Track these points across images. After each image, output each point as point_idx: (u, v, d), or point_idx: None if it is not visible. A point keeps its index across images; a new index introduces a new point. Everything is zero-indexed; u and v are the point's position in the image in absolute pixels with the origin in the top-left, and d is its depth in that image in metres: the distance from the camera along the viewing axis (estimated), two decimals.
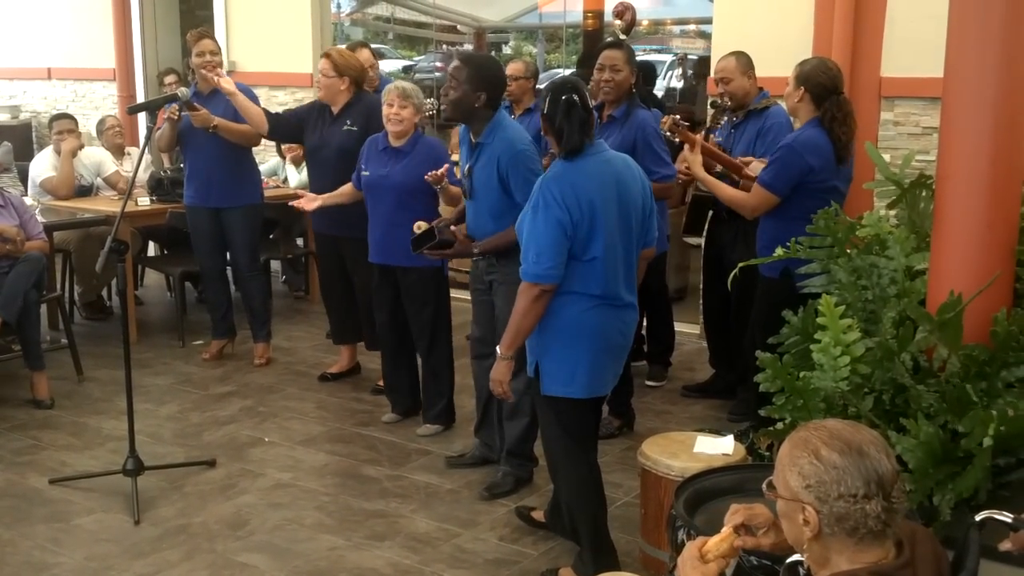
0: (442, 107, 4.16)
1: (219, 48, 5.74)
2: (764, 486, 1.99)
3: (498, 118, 4.06)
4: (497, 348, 3.42)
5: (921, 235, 3.30)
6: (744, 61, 4.95)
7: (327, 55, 5.34)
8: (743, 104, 4.95)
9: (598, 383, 3.43)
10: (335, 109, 5.31)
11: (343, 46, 6.10)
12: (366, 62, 5.87)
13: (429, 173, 4.44)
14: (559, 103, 3.31)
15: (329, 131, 5.29)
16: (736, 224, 4.83)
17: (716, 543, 2.08)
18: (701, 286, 5.72)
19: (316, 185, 5.41)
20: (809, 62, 4.28)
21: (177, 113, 5.59)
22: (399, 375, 5.07)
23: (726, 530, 2.09)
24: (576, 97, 3.31)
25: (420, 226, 4.19)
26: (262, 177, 7.17)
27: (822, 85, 4.17)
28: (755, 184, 4.21)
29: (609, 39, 5.43)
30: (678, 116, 4.58)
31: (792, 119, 4.47)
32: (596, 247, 3.28)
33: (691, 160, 4.37)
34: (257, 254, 6.06)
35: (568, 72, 8.84)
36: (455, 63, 4.10)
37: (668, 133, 4.50)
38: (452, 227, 4.13)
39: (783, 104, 4.52)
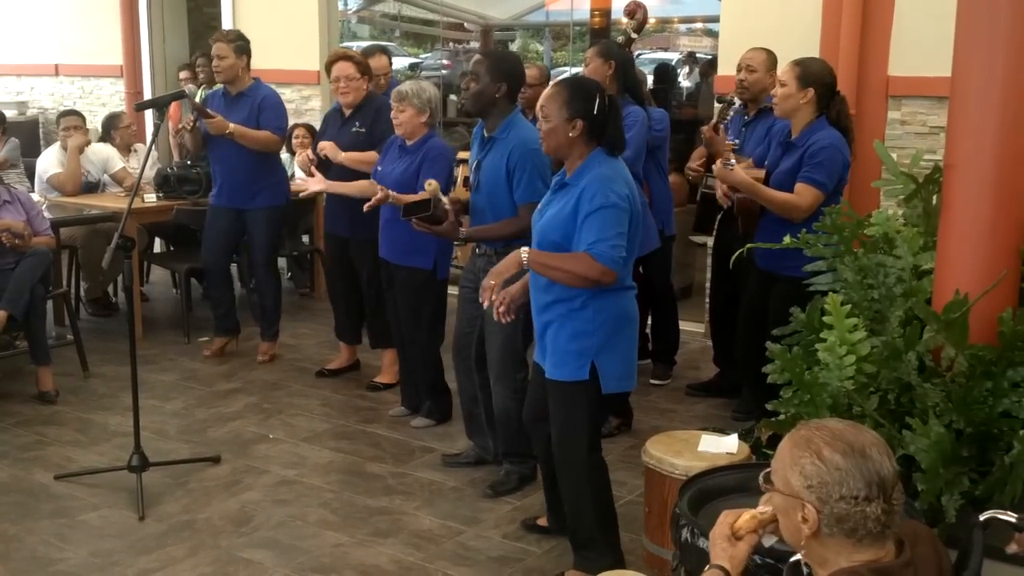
0: (461, 102, 4.15)
1: (232, 49, 5.64)
2: (761, 478, 1.98)
3: (515, 116, 4.07)
4: (524, 251, 3.22)
5: (932, 231, 3.28)
6: (772, 59, 4.95)
7: (348, 58, 5.28)
8: (756, 99, 4.94)
9: (636, 370, 3.45)
10: (348, 111, 5.31)
11: (357, 47, 6.10)
12: (382, 68, 5.89)
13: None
14: (605, 100, 3.26)
15: (340, 134, 5.28)
16: None
17: (747, 520, 2.04)
18: (708, 284, 5.72)
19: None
20: (812, 63, 4.27)
21: (191, 123, 5.59)
22: (407, 369, 5.08)
23: (768, 509, 2.06)
24: (609, 95, 3.32)
25: (431, 183, 4.19)
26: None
27: (829, 86, 4.23)
28: (802, 185, 4.15)
29: (619, 38, 5.40)
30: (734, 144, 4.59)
31: (789, 119, 4.35)
32: (633, 238, 3.27)
33: (730, 174, 4.29)
34: (275, 253, 6.09)
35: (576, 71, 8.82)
36: (476, 58, 4.12)
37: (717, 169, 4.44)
38: (448, 206, 4.11)
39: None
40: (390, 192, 4.51)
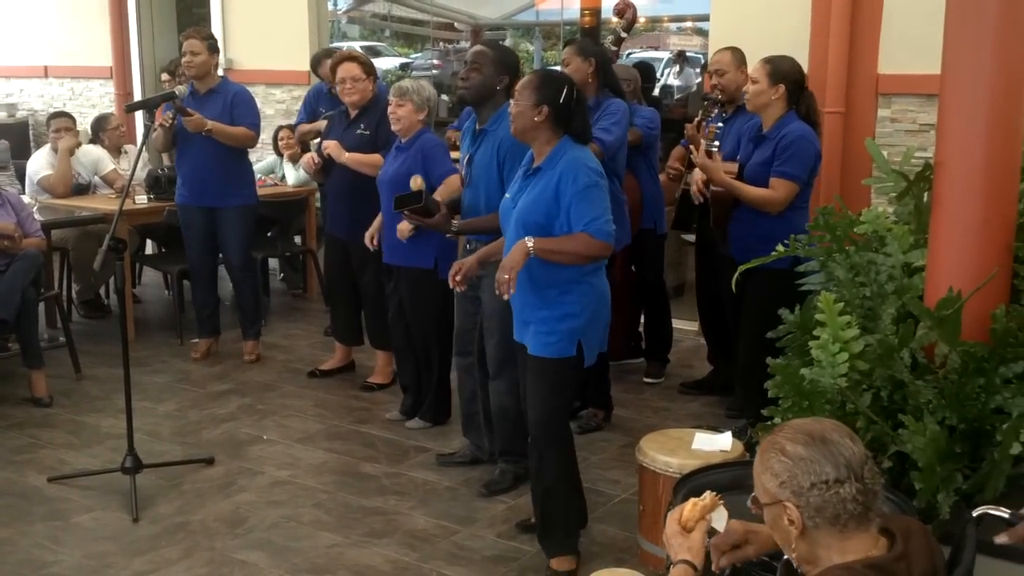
0: (459, 91, 4.13)
1: (205, 47, 5.63)
2: (749, 502, 2.03)
3: (507, 108, 4.07)
4: (528, 241, 3.32)
5: (923, 229, 3.30)
6: (739, 56, 5.00)
7: (353, 59, 5.26)
8: (734, 98, 4.98)
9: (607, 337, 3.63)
10: (354, 112, 5.30)
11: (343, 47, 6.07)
12: None
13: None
14: (572, 93, 3.41)
15: (344, 135, 5.27)
16: None
17: (691, 510, 2.13)
18: (695, 280, 5.73)
19: (333, 189, 5.42)
20: (783, 61, 4.39)
21: (170, 120, 5.57)
22: (406, 373, 5.07)
23: (706, 496, 2.15)
24: (577, 89, 3.46)
25: (417, 181, 4.20)
26: (259, 175, 7.20)
27: (798, 83, 4.39)
28: (776, 180, 4.27)
29: (609, 37, 5.41)
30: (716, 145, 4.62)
31: (760, 115, 4.43)
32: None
33: (712, 167, 4.39)
34: (250, 254, 6.06)
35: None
36: (477, 48, 4.13)
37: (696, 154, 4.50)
38: (438, 199, 4.12)
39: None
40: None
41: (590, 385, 4.89)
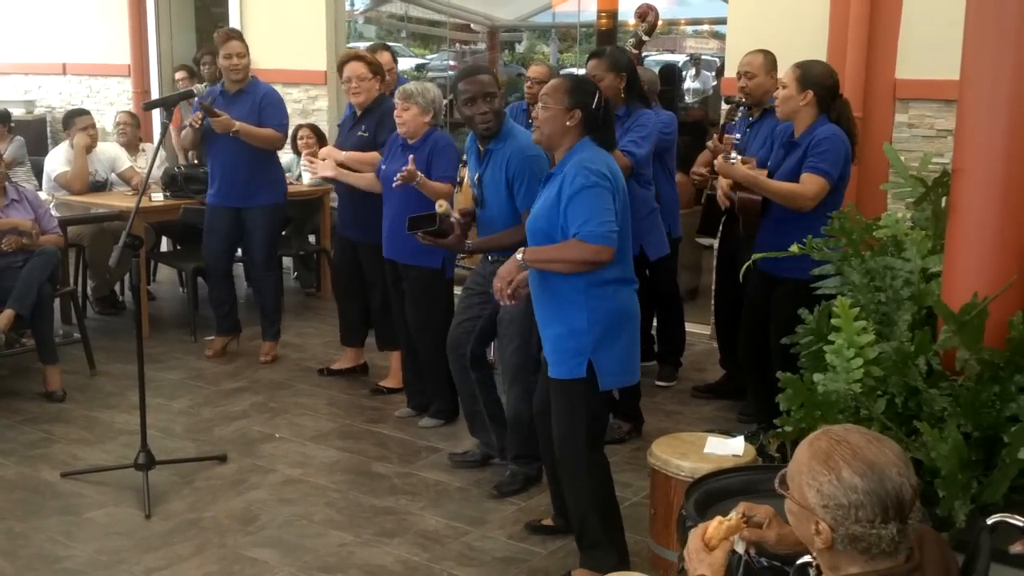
0: (483, 128, 4.06)
1: (247, 50, 5.70)
2: (777, 481, 1.96)
3: (508, 123, 4.10)
4: (519, 252, 3.29)
5: (941, 235, 3.28)
6: (770, 60, 4.96)
7: (360, 58, 5.27)
8: (760, 102, 4.95)
9: (638, 366, 3.51)
10: (359, 112, 5.31)
11: (363, 47, 6.09)
12: (386, 64, 5.90)
13: (399, 173, 4.40)
14: (602, 100, 3.34)
15: (347, 137, 5.30)
16: None
17: (716, 528, 2.09)
18: (714, 286, 5.72)
19: (342, 189, 5.43)
20: (813, 66, 4.31)
21: (200, 121, 5.57)
22: (413, 370, 5.08)
23: (732, 516, 2.12)
24: (605, 98, 3.40)
25: (441, 204, 4.19)
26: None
27: (830, 89, 4.27)
28: (807, 174, 4.16)
29: (630, 40, 5.40)
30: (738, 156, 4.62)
31: (791, 121, 4.35)
32: (625, 227, 3.32)
33: (733, 169, 4.36)
34: (275, 253, 6.08)
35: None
36: (476, 79, 4.04)
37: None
38: (454, 219, 4.11)
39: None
40: (418, 172, 4.45)
41: (620, 394, 4.86)
